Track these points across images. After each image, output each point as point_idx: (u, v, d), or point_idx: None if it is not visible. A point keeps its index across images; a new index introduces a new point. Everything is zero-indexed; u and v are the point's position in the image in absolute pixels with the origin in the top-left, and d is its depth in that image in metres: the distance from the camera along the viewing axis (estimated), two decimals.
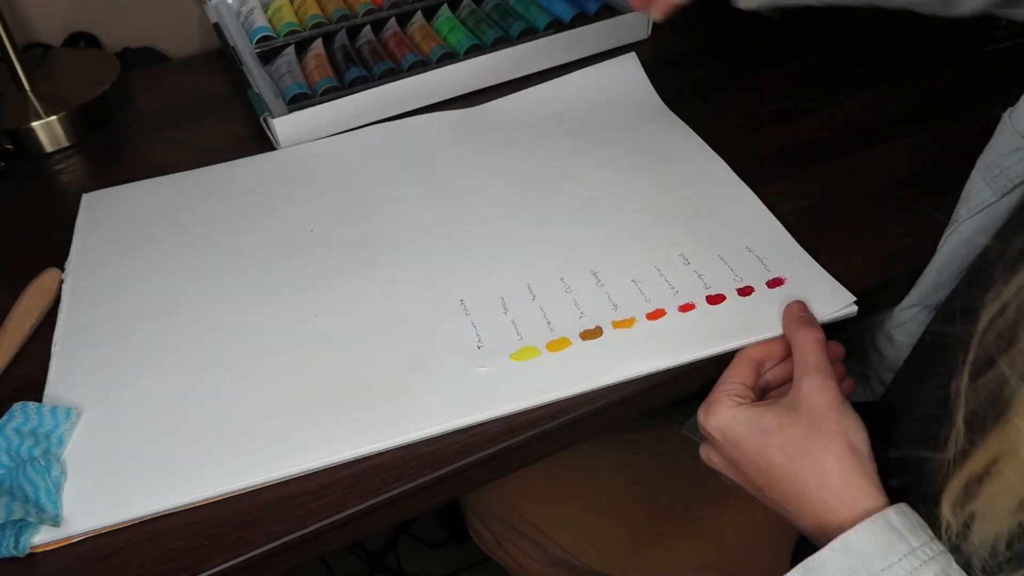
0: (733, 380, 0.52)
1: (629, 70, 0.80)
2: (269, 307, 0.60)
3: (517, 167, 0.71)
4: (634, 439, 0.75)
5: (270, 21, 0.85)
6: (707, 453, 0.53)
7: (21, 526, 0.47)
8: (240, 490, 0.49)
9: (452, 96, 0.79)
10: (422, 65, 0.80)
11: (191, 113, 0.83)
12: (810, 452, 0.46)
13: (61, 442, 0.52)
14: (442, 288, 0.60)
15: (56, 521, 0.47)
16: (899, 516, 0.42)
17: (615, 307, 0.57)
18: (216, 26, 0.87)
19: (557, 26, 0.83)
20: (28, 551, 0.47)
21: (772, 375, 0.54)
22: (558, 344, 0.55)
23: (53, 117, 0.79)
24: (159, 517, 0.49)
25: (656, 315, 0.56)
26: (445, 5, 0.87)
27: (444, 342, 0.56)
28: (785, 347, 0.54)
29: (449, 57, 0.80)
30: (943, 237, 0.53)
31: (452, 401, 0.52)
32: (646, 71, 0.80)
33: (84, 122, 0.81)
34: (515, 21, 0.83)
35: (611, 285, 0.59)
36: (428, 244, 0.64)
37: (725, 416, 0.50)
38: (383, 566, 1.21)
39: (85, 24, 0.93)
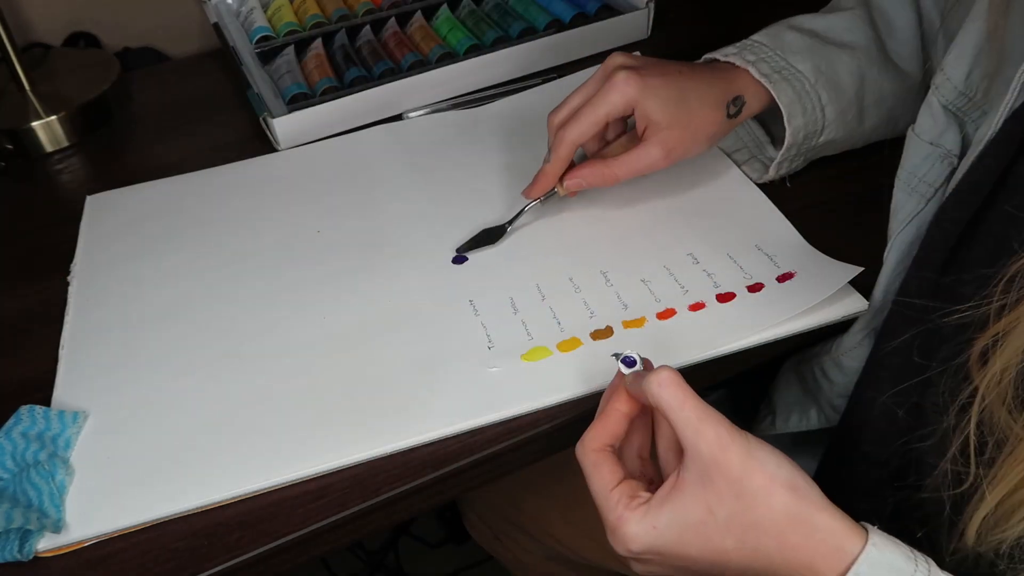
0: (608, 485, 0.44)
1: None
2: (277, 309, 0.60)
3: (522, 167, 0.70)
4: None
5: (270, 21, 0.85)
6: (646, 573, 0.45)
7: (26, 531, 0.47)
8: (249, 494, 0.49)
9: (452, 96, 0.79)
10: (422, 65, 0.80)
11: (191, 113, 0.83)
12: (755, 520, 0.40)
13: (68, 445, 0.52)
14: (451, 289, 0.60)
15: (57, 527, 0.47)
16: (879, 550, 0.39)
17: (625, 307, 0.57)
18: (216, 26, 0.87)
19: (557, 26, 0.83)
20: (32, 556, 0.47)
21: (638, 444, 0.47)
22: (569, 344, 0.55)
23: (53, 117, 0.79)
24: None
25: (666, 314, 0.56)
26: (445, 5, 0.87)
27: (454, 343, 0.56)
28: (627, 415, 0.46)
29: (449, 57, 0.80)
30: (884, 260, 0.53)
31: (464, 402, 0.52)
32: None
33: (84, 122, 0.81)
34: (515, 21, 0.83)
35: (620, 285, 0.59)
36: (436, 245, 0.64)
37: (642, 531, 0.42)
38: (383, 566, 1.21)
39: (85, 24, 0.93)
